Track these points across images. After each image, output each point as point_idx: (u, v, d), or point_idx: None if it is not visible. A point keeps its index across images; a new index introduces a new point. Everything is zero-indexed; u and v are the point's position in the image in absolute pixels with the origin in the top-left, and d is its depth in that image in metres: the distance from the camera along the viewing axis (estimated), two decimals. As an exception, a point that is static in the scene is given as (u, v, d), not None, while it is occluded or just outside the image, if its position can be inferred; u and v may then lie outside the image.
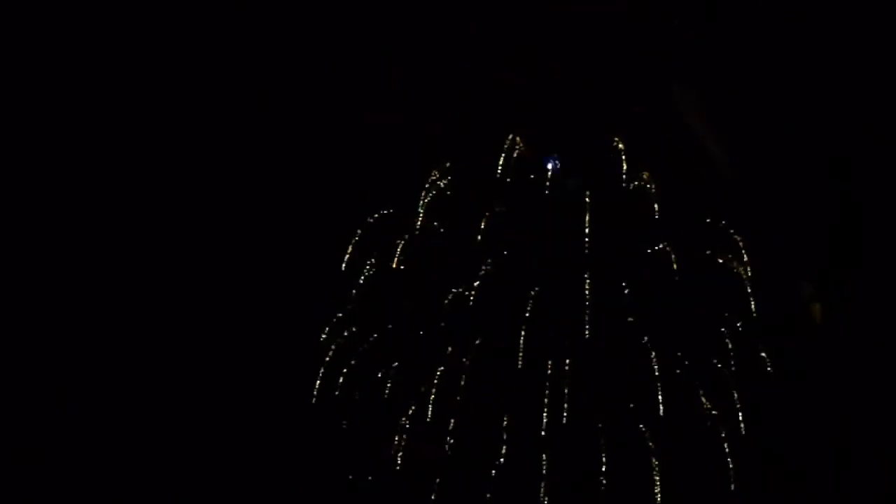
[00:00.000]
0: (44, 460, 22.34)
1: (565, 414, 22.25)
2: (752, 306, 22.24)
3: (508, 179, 24.26)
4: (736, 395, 21.99)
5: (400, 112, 26.28)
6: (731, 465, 21.84)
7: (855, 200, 22.71)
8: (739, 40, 23.93)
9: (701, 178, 23.88)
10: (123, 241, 24.65)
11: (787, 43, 23.39)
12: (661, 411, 21.89)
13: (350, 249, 24.15)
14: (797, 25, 23.19)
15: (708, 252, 22.82)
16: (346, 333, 24.07)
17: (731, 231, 22.69)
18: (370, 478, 23.22)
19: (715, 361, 22.42)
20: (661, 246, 22.72)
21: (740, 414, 21.97)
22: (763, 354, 22.22)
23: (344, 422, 23.43)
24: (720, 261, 22.78)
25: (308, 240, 25.93)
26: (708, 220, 22.87)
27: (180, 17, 24.97)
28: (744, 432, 21.95)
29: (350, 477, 23.39)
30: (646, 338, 22.32)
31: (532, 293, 23.04)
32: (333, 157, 26.26)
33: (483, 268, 23.59)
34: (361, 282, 24.31)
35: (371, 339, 23.98)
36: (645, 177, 23.17)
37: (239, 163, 25.78)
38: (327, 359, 23.72)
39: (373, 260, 24.30)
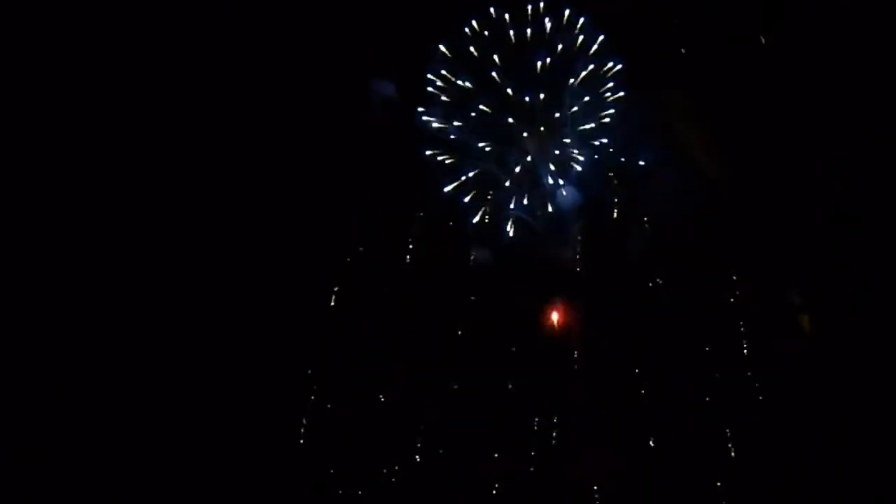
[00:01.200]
0: (44, 460, 22.45)
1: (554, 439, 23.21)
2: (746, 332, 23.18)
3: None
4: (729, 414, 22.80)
5: (399, 112, 26.51)
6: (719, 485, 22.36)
7: (851, 207, 22.85)
8: (739, 40, 24.22)
9: (700, 183, 24.33)
10: (120, 240, 24.82)
11: (786, 43, 23.68)
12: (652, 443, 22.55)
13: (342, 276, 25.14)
14: (797, 26, 23.46)
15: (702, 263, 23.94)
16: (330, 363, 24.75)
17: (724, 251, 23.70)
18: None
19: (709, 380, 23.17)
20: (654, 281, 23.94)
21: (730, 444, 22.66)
22: (755, 378, 22.99)
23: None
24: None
25: (306, 243, 25.96)
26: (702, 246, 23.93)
27: (180, 17, 25.25)
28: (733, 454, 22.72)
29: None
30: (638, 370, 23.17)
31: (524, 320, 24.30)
32: (333, 157, 26.30)
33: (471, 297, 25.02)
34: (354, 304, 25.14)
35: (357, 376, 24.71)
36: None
37: (238, 163, 25.77)
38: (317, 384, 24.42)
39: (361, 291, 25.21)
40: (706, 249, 24.24)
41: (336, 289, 25.24)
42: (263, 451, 23.76)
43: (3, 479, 21.80)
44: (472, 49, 26.18)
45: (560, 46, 25.84)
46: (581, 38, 25.99)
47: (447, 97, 26.38)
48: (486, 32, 26.13)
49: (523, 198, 26.13)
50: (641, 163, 26.19)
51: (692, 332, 23.49)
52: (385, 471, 23.44)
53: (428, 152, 26.30)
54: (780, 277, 23.32)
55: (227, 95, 25.41)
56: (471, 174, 26.30)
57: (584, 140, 26.16)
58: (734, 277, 23.61)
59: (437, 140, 26.37)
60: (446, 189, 26.11)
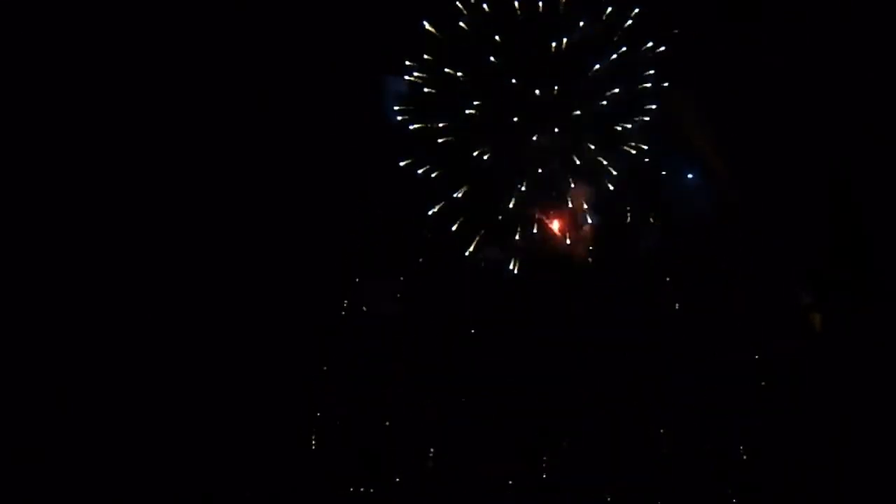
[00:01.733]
0: (44, 460, 22.89)
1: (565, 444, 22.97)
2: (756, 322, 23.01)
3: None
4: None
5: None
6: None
7: (854, 207, 22.69)
8: (740, 41, 23.03)
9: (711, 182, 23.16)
10: (120, 244, 24.66)
11: (787, 44, 22.72)
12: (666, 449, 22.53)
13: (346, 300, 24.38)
14: (797, 26, 22.60)
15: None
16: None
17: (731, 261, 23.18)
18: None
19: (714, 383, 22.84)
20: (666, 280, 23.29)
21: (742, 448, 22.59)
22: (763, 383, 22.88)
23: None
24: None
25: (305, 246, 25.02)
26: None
27: (181, 17, 24.62)
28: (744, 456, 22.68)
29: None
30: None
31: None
32: (333, 157, 24.75)
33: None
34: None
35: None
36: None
37: (237, 163, 24.93)
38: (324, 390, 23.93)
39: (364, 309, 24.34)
40: (714, 248, 23.35)
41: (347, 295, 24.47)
42: (265, 453, 23.48)
43: (2, 478, 22.45)
44: (463, 25, 22.02)
45: (581, 23, 21.71)
46: (609, 10, 21.78)
47: (431, 89, 22.37)
48: (483, 4, 21.90)
49: (532, 226, 22.83)
50: (690, 176, 23.04)
51: (701, 333, 23.28)
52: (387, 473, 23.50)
53: (403, 162, 22.72)
54: (789, 276, 23.46)
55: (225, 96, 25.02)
56: (460, 193, 22.59)
57: (614, 145, 22.18)
58: (743, 277, 23.32)
59: (417, 144, 22.60)
60: (429, 213, 22.85)
